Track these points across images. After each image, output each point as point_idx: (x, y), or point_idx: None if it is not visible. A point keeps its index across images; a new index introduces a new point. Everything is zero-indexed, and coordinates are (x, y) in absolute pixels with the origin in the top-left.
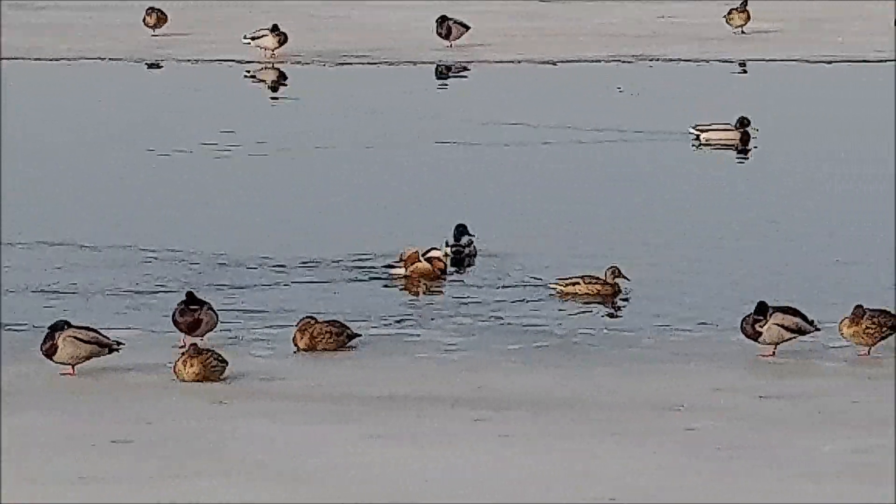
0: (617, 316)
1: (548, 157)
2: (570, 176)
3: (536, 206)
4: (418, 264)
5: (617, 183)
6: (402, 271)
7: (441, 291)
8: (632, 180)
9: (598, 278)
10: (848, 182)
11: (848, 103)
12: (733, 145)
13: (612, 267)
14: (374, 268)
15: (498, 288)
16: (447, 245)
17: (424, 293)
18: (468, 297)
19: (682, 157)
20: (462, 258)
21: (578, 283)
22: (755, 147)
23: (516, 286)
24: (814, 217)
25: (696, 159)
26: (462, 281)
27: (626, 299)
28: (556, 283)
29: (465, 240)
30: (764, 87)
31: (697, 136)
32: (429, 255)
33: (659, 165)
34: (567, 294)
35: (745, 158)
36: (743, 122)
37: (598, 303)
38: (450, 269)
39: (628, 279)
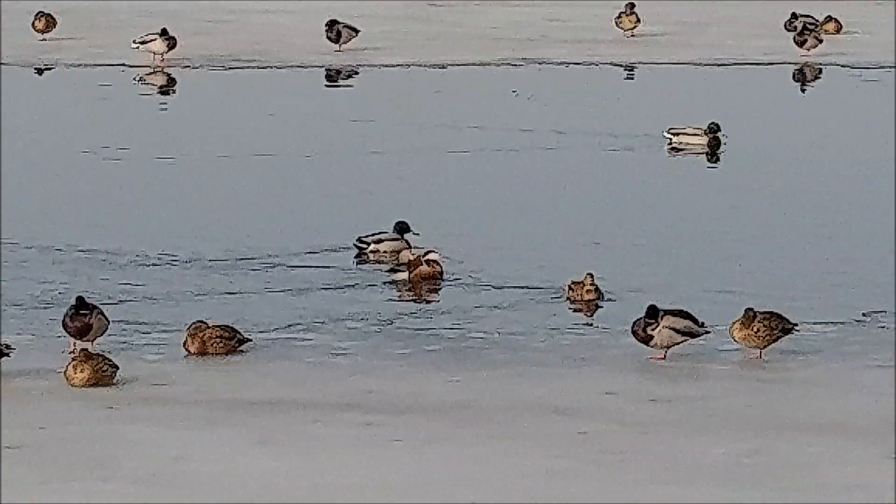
0: (509, 319)
1: (453, 161)
2: (474, 178)
3: (451, 208)
4: (421, 268)
5: (531, 182)
6: (405, 276)
7: (342, 293)
8: (541, 179)
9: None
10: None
11: (750, 103)
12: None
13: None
14: (266, 269)
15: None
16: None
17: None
18: (360, 300)
19: (589, 157)
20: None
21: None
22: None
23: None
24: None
25: (605, 158)
26: (357, 284)
27: (516, 302)
28: None
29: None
30: (653, 89)
31: (671, 139)
32: (427, 257)
33: (569, 165)
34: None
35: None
36: (713, 128)
37: (492, 307)
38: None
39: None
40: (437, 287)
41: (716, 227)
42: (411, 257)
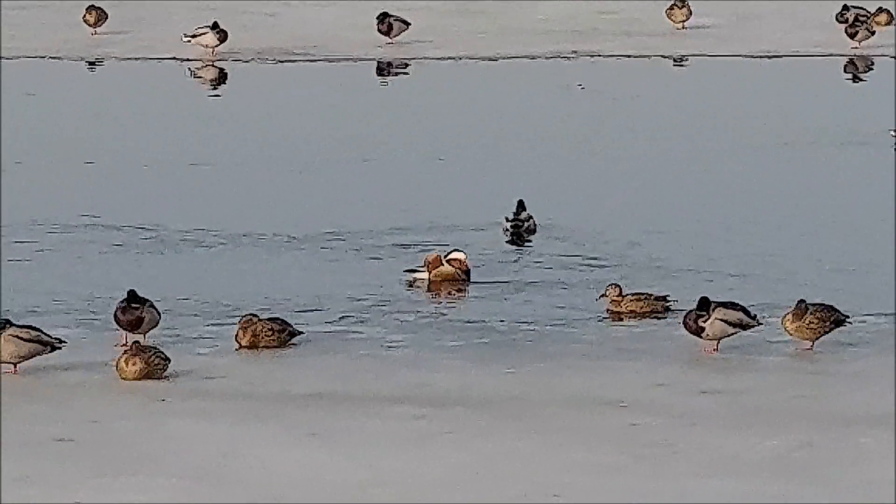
0: (560, 310)
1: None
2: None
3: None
4: (441, 268)
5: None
6: (425, 276)
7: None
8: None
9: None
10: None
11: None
12: None
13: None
14: (318, 261)
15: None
16: (507, 220)
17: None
18: (411, 292)
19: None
20: (521, 232)
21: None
22: None
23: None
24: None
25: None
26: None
27: (565, 289)
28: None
29: (524, 214)
30: (707, 83)
31: None
32: (450, 257)
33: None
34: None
35: None
36: None
37: (541, 298)
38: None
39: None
40: (462, 285)
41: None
42: (431, 257)
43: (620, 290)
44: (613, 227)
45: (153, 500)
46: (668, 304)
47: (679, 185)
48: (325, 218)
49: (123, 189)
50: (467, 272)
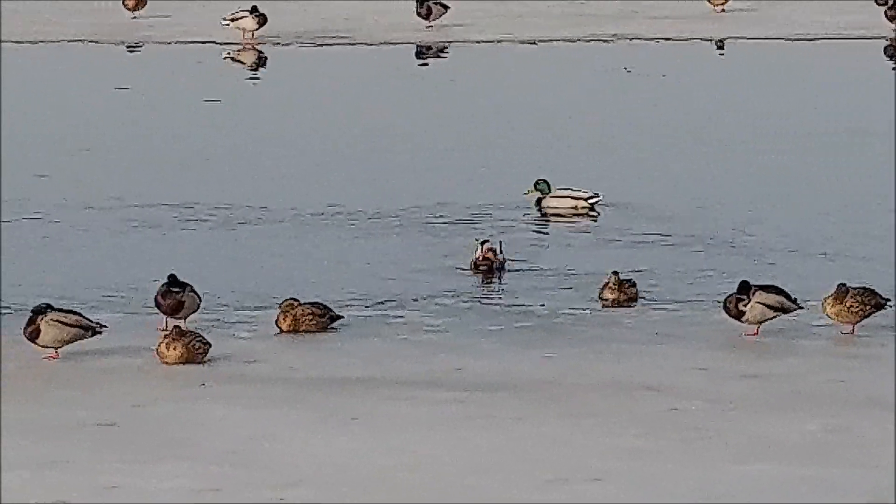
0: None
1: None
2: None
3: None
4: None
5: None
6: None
7: (426, 272)
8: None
9: None
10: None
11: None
12: None
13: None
14: (359, 245)
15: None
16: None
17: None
18: (450, 277)
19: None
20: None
21: None
22: None
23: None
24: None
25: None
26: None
27: (604, 274)
28: None
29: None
30: (749, 65)
31: None
32: (487, 247)
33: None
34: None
35: None
36: None
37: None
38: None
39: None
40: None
41: None
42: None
43: (617, 276)
44: (661, 211)
45: (193, 484)
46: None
47: (726, 167)
48: (365, 201)
49: (162, 172)
50: (493, 262)
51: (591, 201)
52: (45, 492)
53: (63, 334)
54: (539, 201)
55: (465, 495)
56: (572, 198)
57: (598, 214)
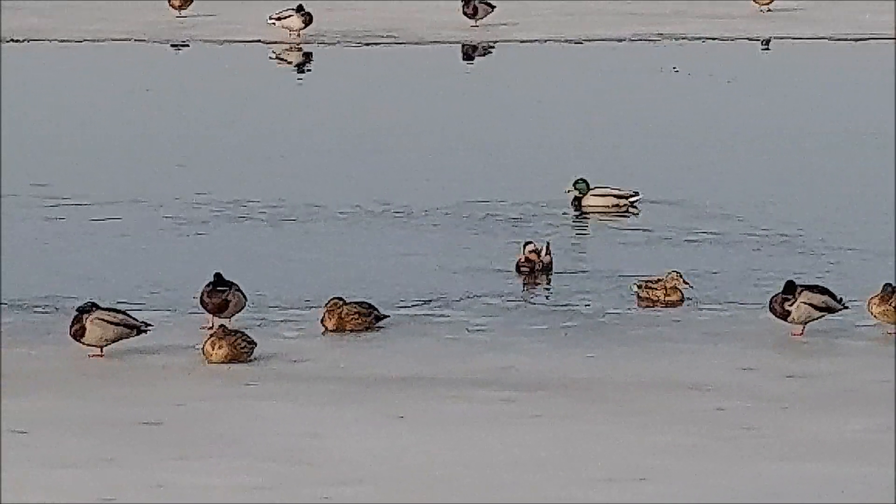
0: None
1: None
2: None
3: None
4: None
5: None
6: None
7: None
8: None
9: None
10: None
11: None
12: None
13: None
14: (405, 244)
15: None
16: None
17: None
18: (496, 276)
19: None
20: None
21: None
22: None
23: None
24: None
25: None
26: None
27: (651, 273)
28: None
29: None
30: (796, 65)
31: None
32: (529, 249)
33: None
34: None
35: None
36: None
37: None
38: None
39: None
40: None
41: None
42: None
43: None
44: (704, 210)
45: (238, 482)
46: None
47: (770, 166)
48: (411, 200)
49: (209, 170)
50: (538, 263)
51: (631, 200)
52: (94, 490)
53: (108, 333)
54: (577, 200)
55: (512, 493)
56: (615, 196)
57: (639, 212)
